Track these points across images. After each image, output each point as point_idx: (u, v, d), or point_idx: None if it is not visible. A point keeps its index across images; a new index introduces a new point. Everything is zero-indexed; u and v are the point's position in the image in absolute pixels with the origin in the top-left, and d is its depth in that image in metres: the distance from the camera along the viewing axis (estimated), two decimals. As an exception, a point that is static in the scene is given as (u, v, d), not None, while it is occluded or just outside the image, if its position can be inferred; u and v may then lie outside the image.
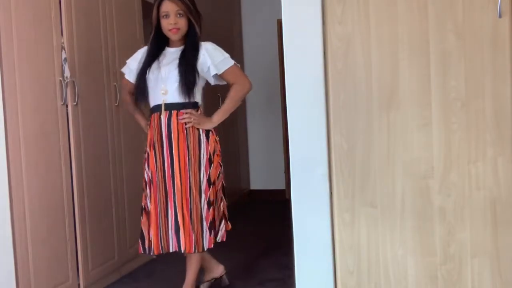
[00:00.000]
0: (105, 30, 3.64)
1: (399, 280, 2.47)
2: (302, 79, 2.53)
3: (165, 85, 3.02)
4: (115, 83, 3.70)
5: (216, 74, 3.07)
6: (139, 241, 3.10)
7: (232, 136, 5.94)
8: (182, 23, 3.02)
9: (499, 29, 2.29)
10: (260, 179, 6.50)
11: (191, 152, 3.01)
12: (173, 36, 3.04)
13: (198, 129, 3.02)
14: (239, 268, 3.85)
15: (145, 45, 3.27)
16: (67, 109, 3.25)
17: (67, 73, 3.22)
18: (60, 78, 3.18)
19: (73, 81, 3.27)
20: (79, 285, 3.33)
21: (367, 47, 2.45)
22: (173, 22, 3.00)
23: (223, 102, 3.12)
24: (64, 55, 3.21)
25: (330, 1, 2.47)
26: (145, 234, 3.06)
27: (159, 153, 3.03)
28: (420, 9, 2.37)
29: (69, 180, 3.25)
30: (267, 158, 6.43)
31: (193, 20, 3.04)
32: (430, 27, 2.37)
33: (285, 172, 6.24)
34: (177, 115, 3.01)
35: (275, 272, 3.73)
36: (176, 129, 3.01)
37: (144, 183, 3.13)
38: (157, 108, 3.05)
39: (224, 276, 3.44)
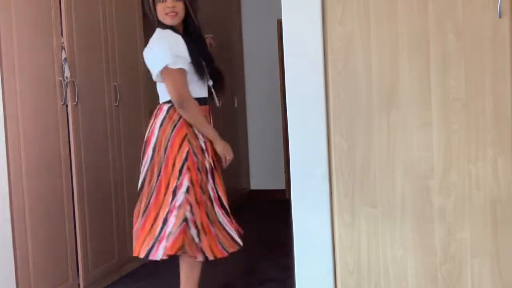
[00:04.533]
0: (105, 30, 3.64)
1: (399, 280, 2.47)
2: (302, 80, 2.53)
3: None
4: (115, 83, 3.70)
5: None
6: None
7: (232, 136, 5.94)
8: (180, 7, 2.80)
9: (499, 29, 2.29)
10: (260, 179, 6.50)
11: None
12: (170, 21, 2.80)
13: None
14: (240, 268, 3.85)
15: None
16: (67, 109, 3.25)
17: (67, 73, 3.22)
18: (60, 78, 3.18)
19: (73, 81, 3.26)
20: (79, 285, 3.33)
21: (367, 47, 2.44)
22: (170, 5, 2.77)
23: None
24: (64, 55, 3.21)
25: (330, 1, 2.47)
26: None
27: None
28: (420, 9, 2.37)
29: (69, 180, 3.25)
30: (267, 158, 6.42)
31: (189, 6, 2.83)
32: (430, 27, 2.37)
33: (285, 172, 6.23)
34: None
35: (275, 272, 3.73)
36: None
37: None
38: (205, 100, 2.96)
39: None
